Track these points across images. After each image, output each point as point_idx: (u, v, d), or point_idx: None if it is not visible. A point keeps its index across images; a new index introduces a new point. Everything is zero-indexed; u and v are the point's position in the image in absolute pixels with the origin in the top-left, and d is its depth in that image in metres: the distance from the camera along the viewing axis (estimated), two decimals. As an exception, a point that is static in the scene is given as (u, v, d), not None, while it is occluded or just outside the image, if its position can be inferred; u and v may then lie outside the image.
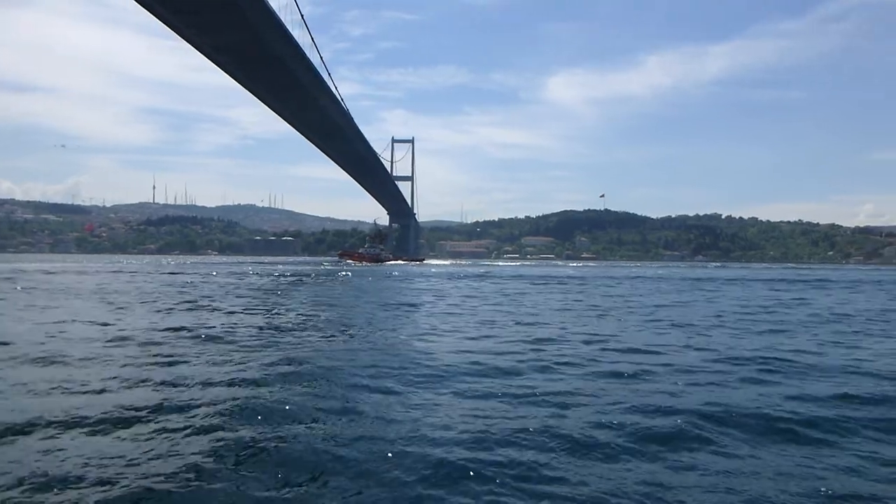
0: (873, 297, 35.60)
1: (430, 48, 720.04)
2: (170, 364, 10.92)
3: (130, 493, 5.23)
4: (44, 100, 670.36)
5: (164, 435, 6.75)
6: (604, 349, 13.40)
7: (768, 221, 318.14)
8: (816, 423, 7.50)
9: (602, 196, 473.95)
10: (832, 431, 7.26)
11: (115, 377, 9.69)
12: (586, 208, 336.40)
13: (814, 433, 7.19)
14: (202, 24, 68.36)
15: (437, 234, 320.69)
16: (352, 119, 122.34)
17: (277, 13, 73.42)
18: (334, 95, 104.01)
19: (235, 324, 17.39)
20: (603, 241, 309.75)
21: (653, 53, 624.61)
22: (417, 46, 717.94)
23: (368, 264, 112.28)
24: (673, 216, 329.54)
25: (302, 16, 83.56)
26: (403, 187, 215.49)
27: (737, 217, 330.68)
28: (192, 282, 42.10)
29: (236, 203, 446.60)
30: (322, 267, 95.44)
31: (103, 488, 5.30)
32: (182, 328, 15.90)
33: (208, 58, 79.49)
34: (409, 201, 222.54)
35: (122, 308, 21.87)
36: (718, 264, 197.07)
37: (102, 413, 7.48)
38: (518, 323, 18.91)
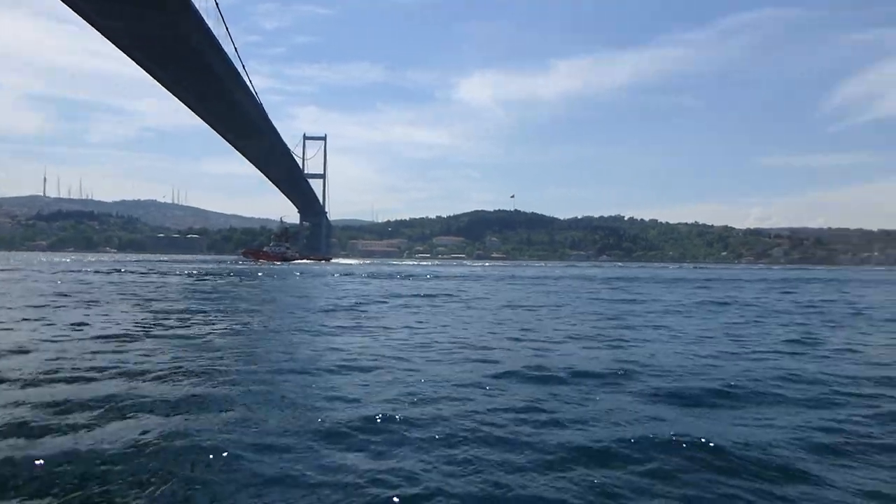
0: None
1: (345, 44, 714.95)
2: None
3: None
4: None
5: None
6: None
7: (667, 223, 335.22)
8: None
9: (513, 197, 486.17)
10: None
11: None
12: (497, 208, 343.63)
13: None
14: (112, 9, 65.51)
15: (349, 232, 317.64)
16: (265, 113, 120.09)
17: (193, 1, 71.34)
18: (248, 88, 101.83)
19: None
20: (513, 241, 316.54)
21: (564, 58, 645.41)
22: (332, 42, 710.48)
23: (273, 263, 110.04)
24: (579, 217, 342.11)
25: (217, 3, 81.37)
26: (315, 185, 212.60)
27: (639, 219, 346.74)
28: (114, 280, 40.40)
29: (137, 199, 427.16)
30: (237, 266, 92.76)
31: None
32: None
33: (116, 44, 76.16)
34: (321, 199, 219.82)
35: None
36: (622, 264, 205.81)
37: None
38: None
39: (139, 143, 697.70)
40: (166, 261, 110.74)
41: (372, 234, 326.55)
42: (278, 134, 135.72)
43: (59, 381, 8.54)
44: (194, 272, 54.22)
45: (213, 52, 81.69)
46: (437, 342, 13.28)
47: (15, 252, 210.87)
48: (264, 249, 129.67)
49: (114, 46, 77.23)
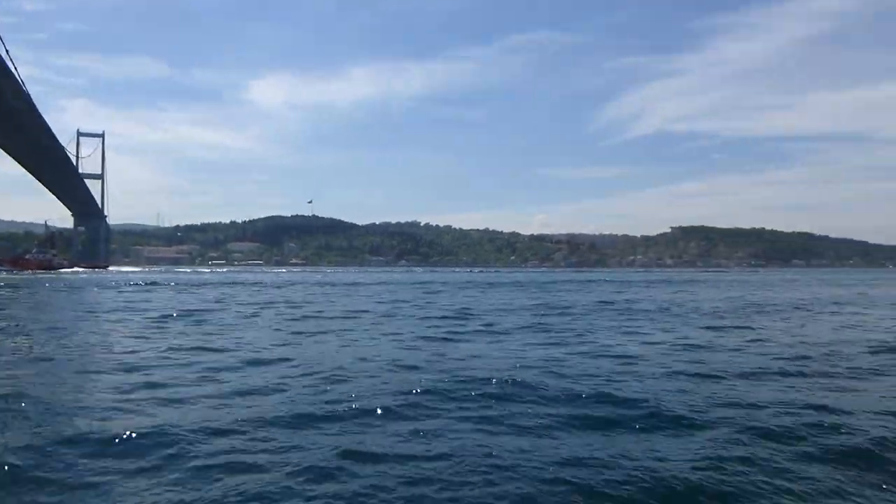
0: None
1: (119, 35, 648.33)
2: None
3: None
4: None
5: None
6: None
7: (461, 229, 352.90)
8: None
9: (310, 202, 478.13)
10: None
11: None
12: (294, 213, 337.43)
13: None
14: None
15: (132, 238, 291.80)
16: (33, 103, 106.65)
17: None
18: (12, 73, 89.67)
19: None
20: (312, 246, 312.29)
21: (361, 65, 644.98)
22: (104, 31, 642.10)
23: (35, 272, 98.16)
24: (377, 223, 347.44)
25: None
26: (93, 186, 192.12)
27: (434, 225, 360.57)
28: None
29: None
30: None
31: None
32: None
33: None
34: (98, 202, 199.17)
35: None
36: (422, 268, 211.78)
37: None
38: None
39: None
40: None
41: (159, 240, 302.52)
42: (49, 128, 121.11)
43: None
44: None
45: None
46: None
47: None
48: (25, 257, 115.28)
49: None
